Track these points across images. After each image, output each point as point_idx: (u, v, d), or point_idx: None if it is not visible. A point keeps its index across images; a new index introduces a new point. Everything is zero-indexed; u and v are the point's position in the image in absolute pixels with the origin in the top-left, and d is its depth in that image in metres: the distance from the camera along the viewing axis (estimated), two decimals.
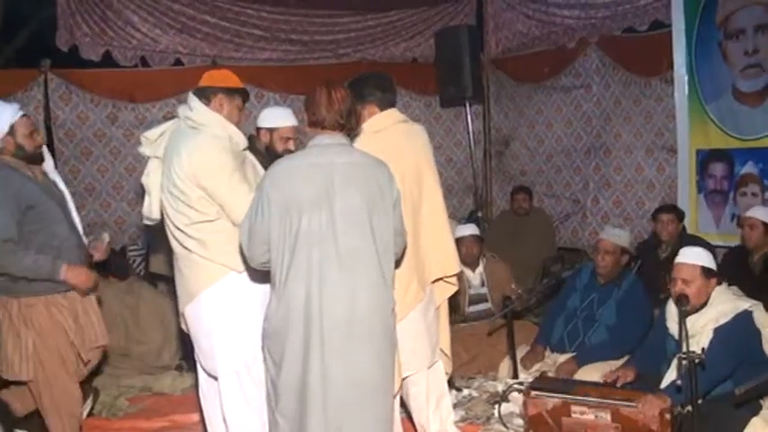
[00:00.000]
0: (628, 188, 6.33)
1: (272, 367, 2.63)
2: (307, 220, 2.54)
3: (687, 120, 5.52)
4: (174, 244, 3.08)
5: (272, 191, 2.57)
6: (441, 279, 3.30)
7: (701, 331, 3.15)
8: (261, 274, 2.81)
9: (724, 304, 3.20)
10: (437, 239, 3.23)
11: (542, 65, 6.87)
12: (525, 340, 4.40)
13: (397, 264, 2.79)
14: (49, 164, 3.41)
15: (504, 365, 4.29)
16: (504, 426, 3.70)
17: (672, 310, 3.34)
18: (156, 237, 4.12)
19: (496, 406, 3.83)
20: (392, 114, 3.21)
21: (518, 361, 4.16)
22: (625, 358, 3.84)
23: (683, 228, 4.89)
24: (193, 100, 3.05)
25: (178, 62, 6.29)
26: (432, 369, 3.30)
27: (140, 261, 5.83)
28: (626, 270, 4.29)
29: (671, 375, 3.16)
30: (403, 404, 3.37)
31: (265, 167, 2.97)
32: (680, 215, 4.85)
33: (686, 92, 5.49)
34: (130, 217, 6.15)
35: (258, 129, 3.80)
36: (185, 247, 3.01)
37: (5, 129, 3.18)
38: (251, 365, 2.99)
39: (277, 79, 6.55)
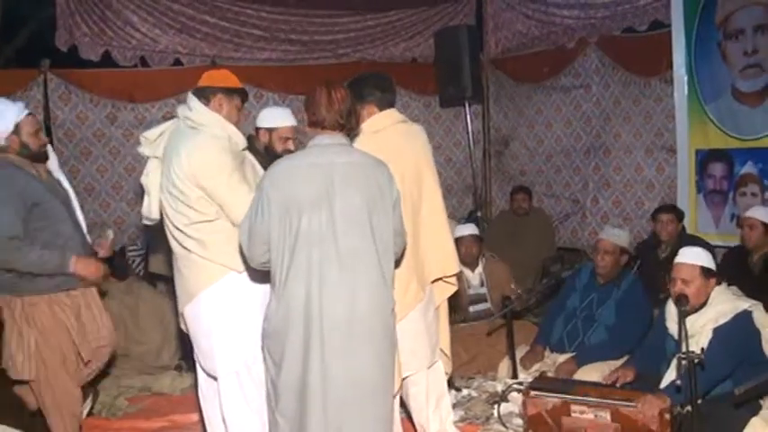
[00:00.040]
0: (627, 188, 6.34)
1: (271, 367, 2.63)
2: (307, 220, 2.54)
3: (686, 120, 5.52)
4: (173, 244, 3.08)
5: (272, 191, 2.57)
6: (440, 279, 3.30)
7: (700, 331, 3.15)
8: (260, 274, 2.81)
9: (723, 304, 3.20)
10: (437, 239, 3.23)
11: (542, 65, 6.87)
12: (525, 340, 4.40)
13: (397, 264, 2.80)
14: (53, 162, 3.43)
15: (504, 365, 4.29)
16: (504, 426, 3.70)
17: (671, 309, 3.34)
18: (156, 237, 4.12)
19: (496, 406, 3.83)
20: (391, 114, 3.21)
21: (517, 361, 4.16)
22: (624, 358, 3.84)
23: (683, 228, 4.89)
24: (192, 100, 3.05)
25: (177, 62, 6.29)
26: (431, 369, 3.30)
27: (139, 261, 5.82)
28: (625, 270, 4.29)
29: (670, 375, 3.16)
30: (403, 404, 3.37)
31: (264, 167, 2.97)
32: (679, 215, 4.85)
33: (686, 92, 5.50)
34: (130, 217, 6.15)
35: (257, 129, 3.80)
36: (185, 247, 3.01)
37: (10, 127, 3.21)
38: (251, 365, 2.99)
39: (276, 79, 6.55)
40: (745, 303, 3.22)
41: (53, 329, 3.26)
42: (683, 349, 2.79)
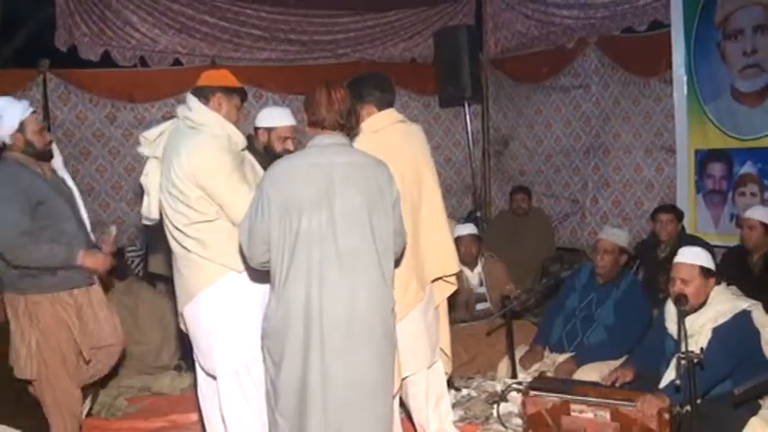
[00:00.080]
0: (627, 188, 6.34)
1: (271, 367, 2.63)
2: (307, 220, 2.54)
3: (686, 120, 5.52)
4: (172, 244, 3.08)
5: (272, 191, 2.57)
6: (440, 278, 3.30)
7: (699, 331, 3.15)
8: (260, 274, 2.81)
9: (723, 304, 3.20)
10: (436, 239, 3.23)
11: (541, 65, 6.87)
12: (524, 340, 4.40)
13: (397, 263, 2.80)
14: (57, 161, 3.46)
15: (503, 365, 4.29)
16: (503, 425, 3.70)
17: (671, 309, 3.34)
18: (155, 237, 4.12)
19: (495, 406, 3.83)
20: (390, 114, 3.21)
21: (517, 361, 4.16)
22: (624, 358, 3.84)
23: (682, 228, 4.90)
24: (192, 100, 3.05)
25: (177, 62, 6.28)
26: (431, 369, 3.30)
27: (138, 262, 5.82)
28: (625, 270, 4.30)
29: (670, 375, 3.16)
30: (402, 404, 3.38)
31: (264, 167, 2.97)
32: (679, 215, 4.85)
33: (685, 92, 5.50)
34: (129, 217, 6.15)
35: (256, 128, 3.80)
36: (184, 247, 3.01)
37: (15, 126, 3.22)
38: (250, 365, 2.98)
39: (276, 79, 6.54)
40: (744, 303, 3.22)
41: (54, 329, 3.27)
42: (683, 349, 2.79)
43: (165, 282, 4.83)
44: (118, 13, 6.00)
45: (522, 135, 7.25)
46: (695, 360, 2.75)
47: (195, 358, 3.20)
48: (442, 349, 3.37)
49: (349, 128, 2.72)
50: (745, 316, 3.17)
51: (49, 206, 3.23)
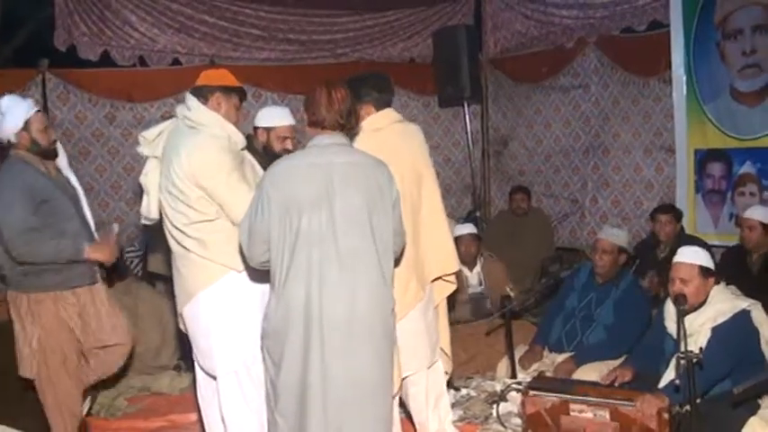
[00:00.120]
0: (626, 188, 6.34)
1: (271, 367, 2.63)
2: (307, 220, 2.54)
3: (685, 120, 5.52)
4: (172, 243, 3.07)
5: (272, 190, 2.57)
6: (440, 278, 3.30)
7: (699, 330, 3.15)
8: (260, 274, 2.81)
9: (722, 303, 3.20)
10: (436, 239, 3.24)
11: (541, 65, 6.87)
12: (523, 340, 4.40)
13: (397, 263, 2.80)
14: (62, 160, 3.47)
15: (503, 365, 4.29)
16: (503, 425, 3.70)
17: (670, 309, 3.34)
18: (155, 236, 4.12)
19: (495, 405, 3.83)
20: (388, 114, 3.21)
21: (516, 361, 4.16)
22: (623, 358, 3.84)
23: (682, 228, 4.90)
24: (191, 99, 3.04)
25: (176, 62, 6.28)
26: (431, 369, 3.30)
27: (138, 262, 5.81)
28: (624, 270, 4.30)
29: (669, 375, 3.16)
30: (402, 404, 3.38)
31: (263, 167, 2.97)
32: (678, 215, 4.86)
33: (684, 92, 5.50)
34: (129, 217, 6.14)
35: (255, 128, 3.80)
36: (184, 247, 3.01)
37: (20, 124, 3.24)
38: (250, 365, 2.98)
39: (275, 79, 6.54)
40: (743, 303, 3.22)
41: (55, 329, 3.27)
42: (682, 349, 2.79)
43: (164, 282, 4.83)
44: (117, 12, 6.00)
45: (522, 135, 7.25)
46: (694, 360, 2.75)
47: (194, 358, 3.20)
48: (442, 348, 3.37)
49: (349, 128, 2.72)
50: (744, 315, 3.18)
51: (53, 204, 3.24)
